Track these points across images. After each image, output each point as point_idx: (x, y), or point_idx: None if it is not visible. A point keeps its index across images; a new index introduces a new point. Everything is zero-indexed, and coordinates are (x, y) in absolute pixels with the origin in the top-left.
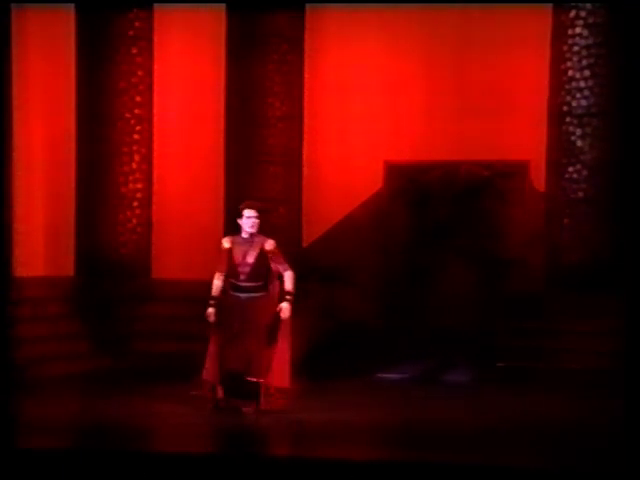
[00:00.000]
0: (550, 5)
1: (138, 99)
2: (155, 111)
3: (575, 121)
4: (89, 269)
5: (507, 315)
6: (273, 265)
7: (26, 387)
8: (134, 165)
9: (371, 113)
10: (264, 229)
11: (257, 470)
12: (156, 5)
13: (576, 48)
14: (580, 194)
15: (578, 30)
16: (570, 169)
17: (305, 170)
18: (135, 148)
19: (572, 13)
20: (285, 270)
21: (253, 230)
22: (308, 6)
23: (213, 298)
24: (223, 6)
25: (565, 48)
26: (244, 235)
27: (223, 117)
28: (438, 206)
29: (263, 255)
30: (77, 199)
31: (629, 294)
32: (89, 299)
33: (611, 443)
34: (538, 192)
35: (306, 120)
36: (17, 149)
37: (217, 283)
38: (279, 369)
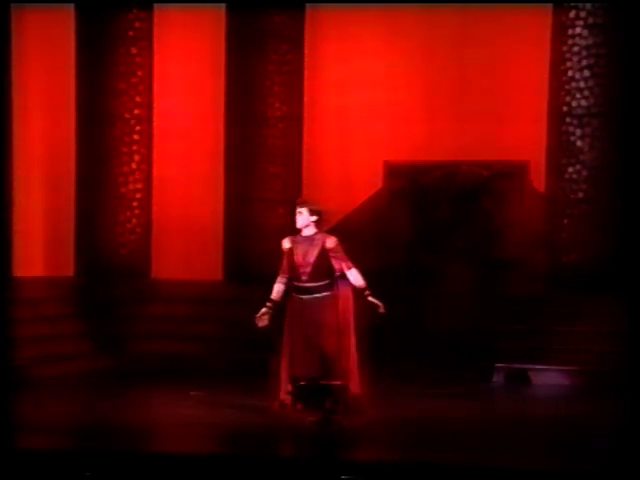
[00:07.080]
0: (550, 5)
1: (138, 99)
2: (155, 111)
3: (575, 121)
4: (89, 269)
5: (507, 315)
6: (335, 263)
7: (26, 387)
8: (134, 165)
9: (371, 113)
10: (265, 228)
11: (257, 470)
12: (156, 5)
13: (576, 48)
14: (580, 194)
15: (578, 30)
16: (570, 169)
17: (305, 170)
18: (135, 148)
19: (572, 13)
20: (348, 268)
21: (299, 226)
22: (308, 6)
23: (270, 300)
24: (223, 6)
25: (565, 48)
26: (304, 234)
27: (223, 117)
28: (438, 206)
29: (325, 253)
30: (77, 199)
31: (630, 294)
32: (89, 299)
33: (611, 443)
34: (538, 192)
35: (306, 120)
36: (17, 149)
37: (278, 286)
38: (351, 373)
